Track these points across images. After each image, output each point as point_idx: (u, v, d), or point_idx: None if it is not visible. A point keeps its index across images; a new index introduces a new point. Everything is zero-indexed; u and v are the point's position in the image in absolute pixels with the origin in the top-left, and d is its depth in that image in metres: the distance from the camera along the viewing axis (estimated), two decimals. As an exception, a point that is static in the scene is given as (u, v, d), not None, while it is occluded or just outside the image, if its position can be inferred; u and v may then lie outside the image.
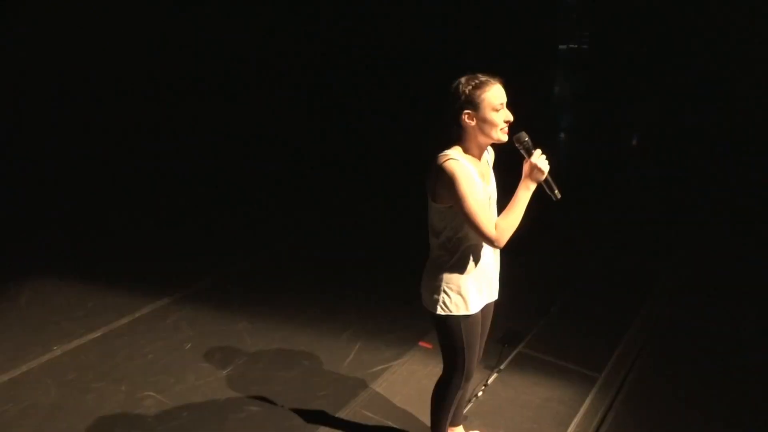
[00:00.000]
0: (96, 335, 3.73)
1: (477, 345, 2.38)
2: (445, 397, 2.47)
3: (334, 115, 10.07)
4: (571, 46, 13.78)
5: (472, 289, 2.27)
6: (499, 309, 2.46)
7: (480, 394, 3.16)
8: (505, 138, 2.15)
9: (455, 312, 2.26)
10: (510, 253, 2.43)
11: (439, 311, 2.26)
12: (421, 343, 3.59)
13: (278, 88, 10.88)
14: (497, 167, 2.36)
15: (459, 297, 2.25)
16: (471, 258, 2.24)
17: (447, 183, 2.08)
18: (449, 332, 2.30)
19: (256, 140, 8.54)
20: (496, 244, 2.14)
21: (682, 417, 3.03)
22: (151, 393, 3.20)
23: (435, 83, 2.18)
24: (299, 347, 3.62)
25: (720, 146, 7.98)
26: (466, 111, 2.11)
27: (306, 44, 11.29)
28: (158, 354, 3.55)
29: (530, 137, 2.17)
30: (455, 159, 2.11)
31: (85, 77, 8.74)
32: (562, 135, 9.79)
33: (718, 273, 4.61)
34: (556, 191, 2.20)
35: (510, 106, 2.15)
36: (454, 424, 2.74)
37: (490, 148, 2.30)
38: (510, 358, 3.49)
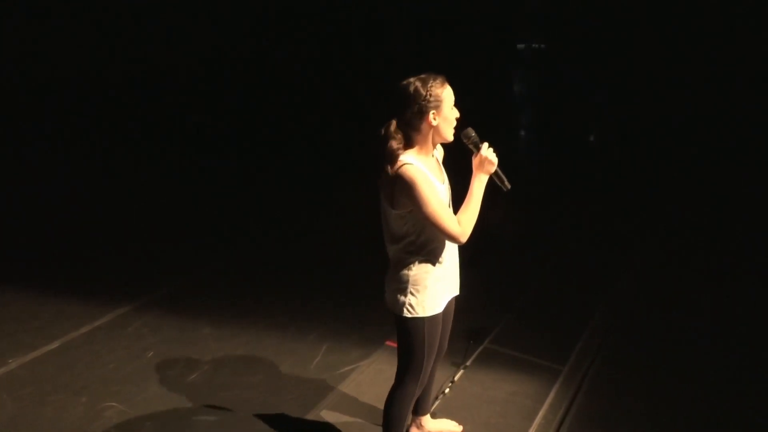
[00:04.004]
0: (53, 346, 3.62)
1: (437, 346, 2.38)
2: (399, 405, 2.42)
3: (293, 115, 10.00)
4: (529, 45, 14.00)
5: (438, 289, 2.27)
6: (463, 306, 2.49)
7: (447, 390, 3.18)
8: (452, 137, 2.19)
9: (421, 314, 2.25)
10: (473, 251, 2.44)
11: (406, 313, 2.25)
12: (387, 343, 3.59)
13: (247, 88, 10.76)
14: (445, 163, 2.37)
15: (425, 298, 2.25)
16: (435, 258, 2.24)
17: (406, 189, 2.06)
18: (413, 333, 2.29)
19: (220, 142, 8.42)
20: (460, 239, 2.15)
21: (642, 407, 3.11)
22: (113, 403, 3.12)
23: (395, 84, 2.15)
24: (266, 351, 3.59)
25: (680, 145, 8.15)
26: (432, 111, 2.10)
27: (254, 42, 11.11)
28: (119, 363, 3.47)
29: (476, 132, 2.21)
30: (410, 163, 2.09)
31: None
32: (522, 132, 9.93)
33: (677, 268, 4.73)
34: (506, 182, 2.25)
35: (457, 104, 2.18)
36: (422, 413, 2.76)
37: (439, 146, 2.30)
38: (476, 354, 3.52)
